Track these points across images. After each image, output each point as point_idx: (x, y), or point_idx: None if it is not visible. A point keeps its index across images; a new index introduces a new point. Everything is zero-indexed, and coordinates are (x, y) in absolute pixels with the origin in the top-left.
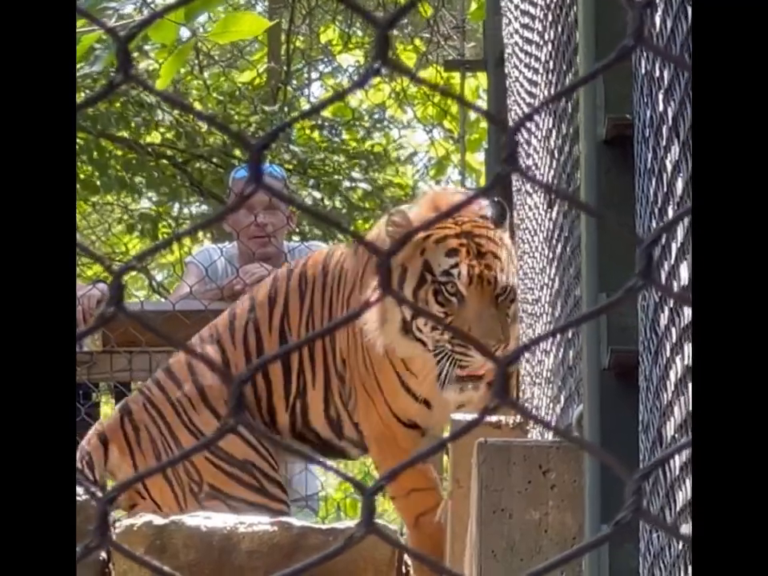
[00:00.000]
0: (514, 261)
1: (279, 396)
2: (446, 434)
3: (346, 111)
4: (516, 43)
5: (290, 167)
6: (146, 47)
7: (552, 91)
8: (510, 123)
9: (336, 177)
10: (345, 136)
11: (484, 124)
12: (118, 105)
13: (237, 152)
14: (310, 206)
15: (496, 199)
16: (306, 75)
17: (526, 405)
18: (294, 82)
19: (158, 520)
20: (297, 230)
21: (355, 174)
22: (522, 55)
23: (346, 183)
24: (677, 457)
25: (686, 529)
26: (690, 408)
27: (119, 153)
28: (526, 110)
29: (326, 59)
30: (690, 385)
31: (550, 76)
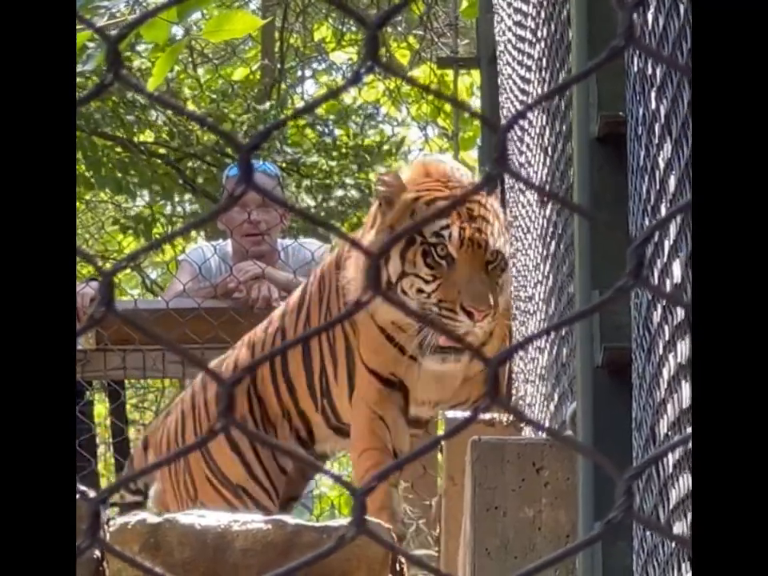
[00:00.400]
0: (505, 230)
1: (305, 398)
2: (440, 432)
3: (339, 107)
4: (508, 40)
5: (283, 165)
6: (139, 47)
7: (545, 89)
8: (502, 122)
9: (328, 181)
10: (338, 132)
11: (478, 121)
12: (110, 104)
13: (230, 150)
14: (300, 206)
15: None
16: (299, 73)
17: (519, 403)
18: (288, 80)
19: (152, 518)
20: (291, 227)
21: (348, 180)
22: (514, 53)
23: (339, 192)
24: (670, 455)
25: (679, 527)
26: (684, 405)
27: (113, 151)
28: (519, 107)
29: (319, 57)
30: (683, 382)
31: (542, 73)
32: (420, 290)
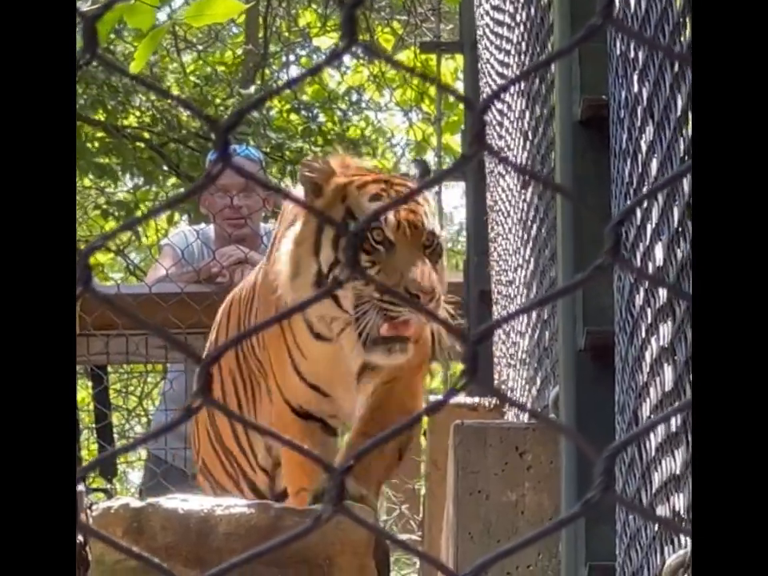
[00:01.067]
0: (437, 217)
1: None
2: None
3: (323, 93)
4: (487, 24)
5: (267, 150)
6: (124, 32)
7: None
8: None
9: None
10: (322, 118)
11: (462, 106)
12: (94, 90)
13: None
14: (281, 187)
15: (418, 158)
16: (283, 58)
17: (502, 387)
18: (274, 65)
19: (135, 503)
20: (275, 212)
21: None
22: (493, 37)
23: None
24: (652, 438)
25: (661, 510)
26: (666, 389)
27: (95, 136)
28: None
29: (304, 42)
30: (665, 366)
31: (522, 57)
32: (356, 278)
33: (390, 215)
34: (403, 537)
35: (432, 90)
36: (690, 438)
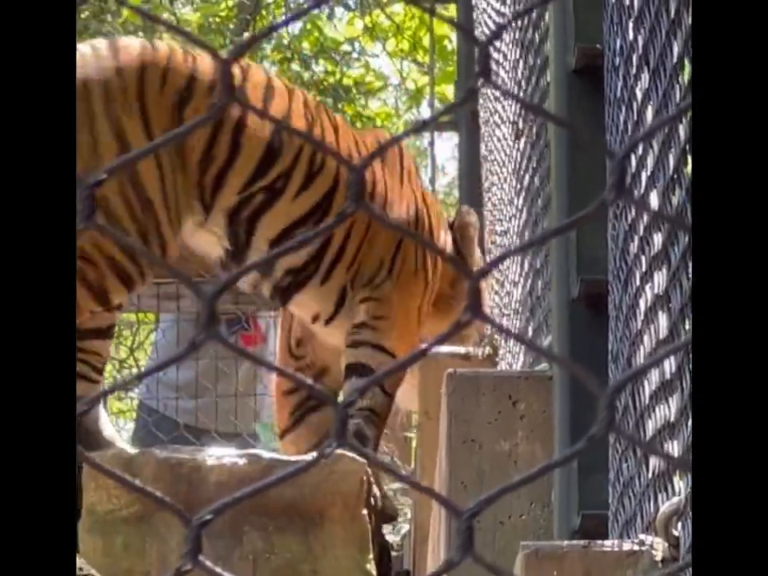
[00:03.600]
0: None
1: None
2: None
3: (319, 44)
4: None
5: None
6: None
7: (520, 24)
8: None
9: None
10: (319, 67)
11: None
12: (86, 36)
13: None
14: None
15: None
16: (280, 6)
17: (495, 337)
18: (272, 16)
19: (126, 453)
20: None
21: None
22: None
23: None
24: (647, 385)
25: (655, 458)
26: (661, 336)
27: None
28: (495, 42)
29: None
30: (659, 313)
31: (516, 6)
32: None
33: None
34: (395, 486)
35: (426, 42)
36: (684, 385)
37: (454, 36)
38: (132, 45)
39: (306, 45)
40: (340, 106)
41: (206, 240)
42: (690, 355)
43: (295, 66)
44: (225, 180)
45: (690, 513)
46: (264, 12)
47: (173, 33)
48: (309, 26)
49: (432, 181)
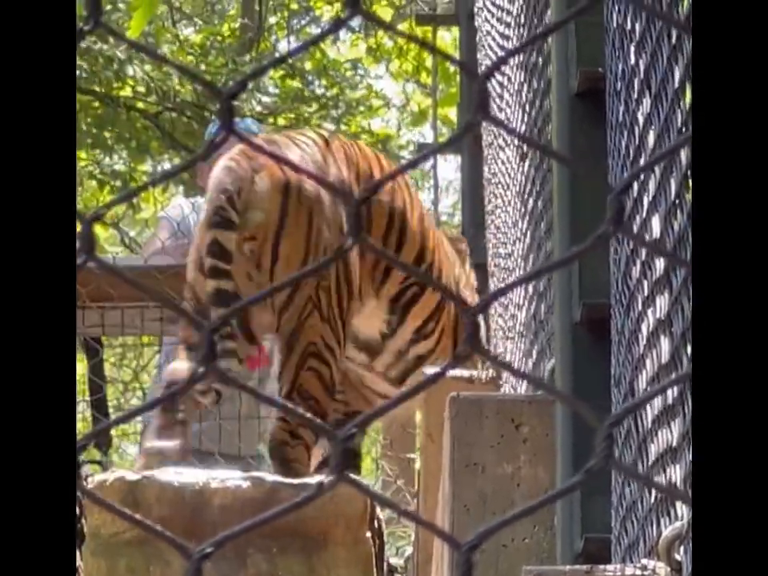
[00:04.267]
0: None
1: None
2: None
3: (322, 63)
4: None
5: (261, 117)
6: (119, 2)
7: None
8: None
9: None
10: (321, 82)
11: (458, 78)
12: (88, 60)
13: (209, 105)
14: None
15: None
16: (283, 28)
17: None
18: (275, 36)
19: (131, 476)
20: None
21: (327, 125)
22: (493, 9)
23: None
24: (649, 409)
25: (658, 482)
26: (663, 361)
27: (90, 107)
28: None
29: (302, 13)
30: (662, 338)
31: (521, 30)
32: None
33: None
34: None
35: (429, 63)
36: (686, 410)
37: (455, 57)
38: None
39: (308, 65)
40: (344, 120)
41: (371, 323)
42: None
43: (296, 83)
44: (391, 271)
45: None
46: (266, 33)
47: (171, 67)
48: (311, 47)
49: (435, 203)
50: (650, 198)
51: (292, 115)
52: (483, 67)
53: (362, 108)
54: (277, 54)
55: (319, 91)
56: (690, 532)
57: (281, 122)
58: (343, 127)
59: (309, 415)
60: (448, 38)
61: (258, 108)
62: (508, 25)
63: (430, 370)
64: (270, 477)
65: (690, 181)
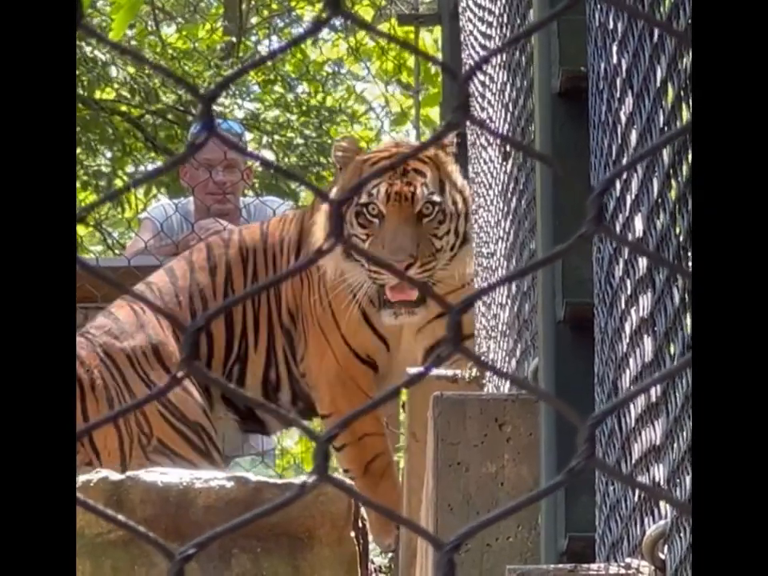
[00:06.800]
0: (453, 178)
1: (219, 361)
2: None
3: (303, 65)
4: None
5: (244, 122)
6: (99, 2)
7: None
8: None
9: (290, 135)
10: (305, 88)
11: (441, 78)
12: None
13: (192, 107)
14: (269, 160)
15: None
16: (266, 30)
17: (482, 359)
18: (256, 37)
19: (115, 476)
20: (252, 184)
21: (308, 132)
22: (475, 9)
23: (299, 140)
24: (632, 408)
25: (641, 481)
26: (646, 360)
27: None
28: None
29: (284, 14)
30: (645, 337)
31: (503, 29)
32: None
33: (382, 188)
34: None
35: (411, 62)
36: (669, 409)
37: (438, 57)
38: None
39: (288, 67)
40: (325, 128)
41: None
42: (675, 381)
43: (278, 88)
44: None
45: (677, 536)
46: (247, 34)
47: (154, 70)
48: (292, 48)
49: None
50: (633, 197)
51: (273, 119)
52: (467, 67)
53: (344, 117)
54: (257, 56)
55: (303, 96)
56: (673, 531)
57: (263, 126)
58: (324, 137)
59: (291, 416)
60: (429, 40)
61: (240, 114)
62: (490, 24)
63: (412, 369)
64: (254, 477)
65: (673, 180)
